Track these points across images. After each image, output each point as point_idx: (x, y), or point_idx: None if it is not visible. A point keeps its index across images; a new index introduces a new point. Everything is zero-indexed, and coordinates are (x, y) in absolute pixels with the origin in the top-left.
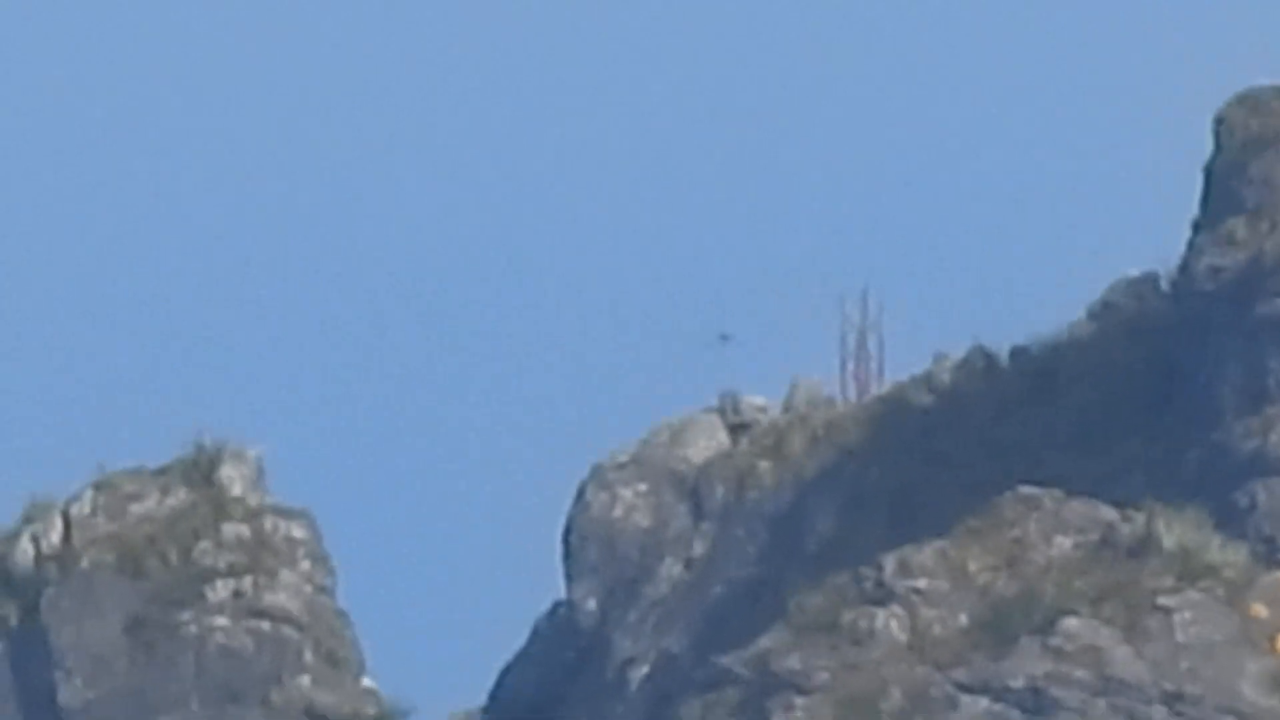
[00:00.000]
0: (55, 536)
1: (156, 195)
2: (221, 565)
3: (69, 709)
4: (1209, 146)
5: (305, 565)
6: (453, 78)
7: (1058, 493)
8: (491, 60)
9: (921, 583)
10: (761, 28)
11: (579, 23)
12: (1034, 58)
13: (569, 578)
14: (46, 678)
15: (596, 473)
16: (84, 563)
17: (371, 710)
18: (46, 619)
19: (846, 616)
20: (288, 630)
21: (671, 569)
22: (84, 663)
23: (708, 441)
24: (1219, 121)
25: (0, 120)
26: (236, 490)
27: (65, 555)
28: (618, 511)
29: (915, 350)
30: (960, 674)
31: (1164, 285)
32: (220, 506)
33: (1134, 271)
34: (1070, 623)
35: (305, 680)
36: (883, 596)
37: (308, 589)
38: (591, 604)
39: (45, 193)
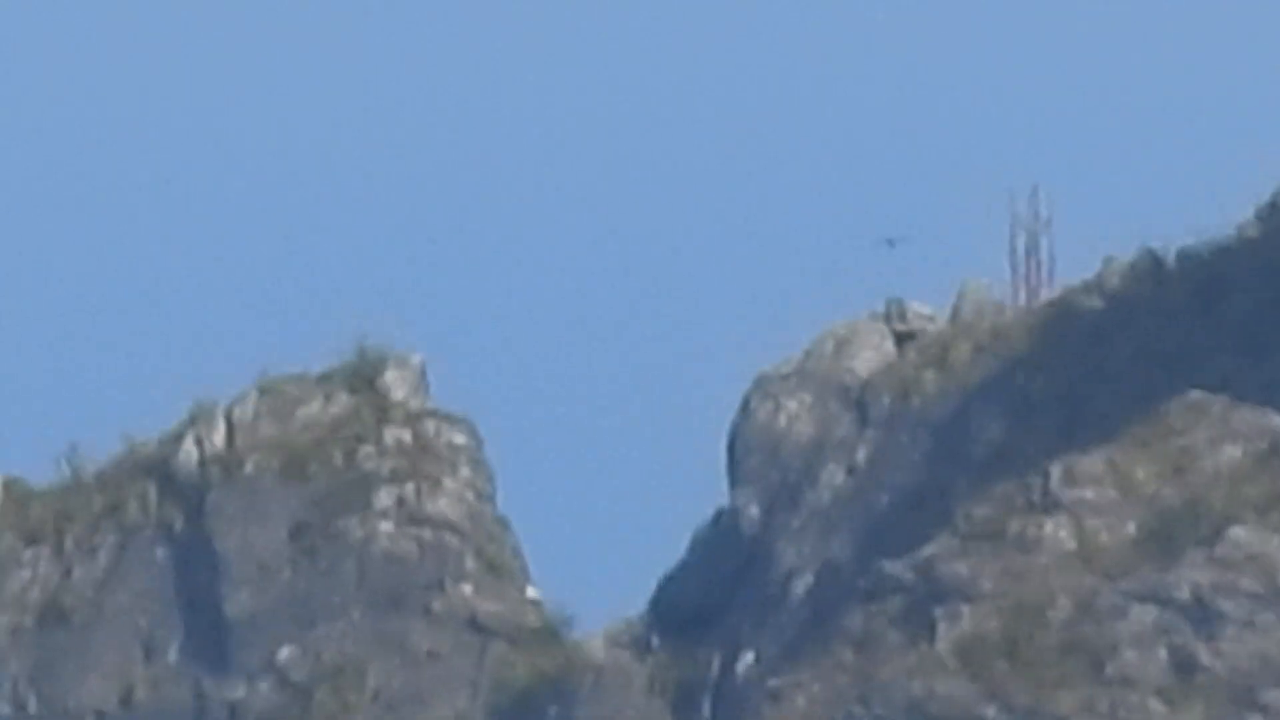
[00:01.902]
0: (219, 439)
1: (308, 91)
2: (384, 471)
3: (234, 618)
4: None
5: (466, 472)
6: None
7: (1225, 400)
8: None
9: (1088, 492)
10: None
11: None
12: None
13: (732, 485)
14: (212, 586)
15: (761, 382)
16: (248, 467)
17: (533, 619)
18: (211, 525)
19: (1013, 525)
20: (450, 538)
21: (834, 476)
22: (249, 570)
23: (873, 352)
24: None
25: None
26: (398, 395)
27: (229, 459)
28: (782, 421)
29: (1086, 249)
30: (1127, 583)
31: None
32: (383, 411)
33: None
34: (1237, 531)
35: (467, 588)
36: (1049, 505)
37: (469, 496)
38: (754, 511)
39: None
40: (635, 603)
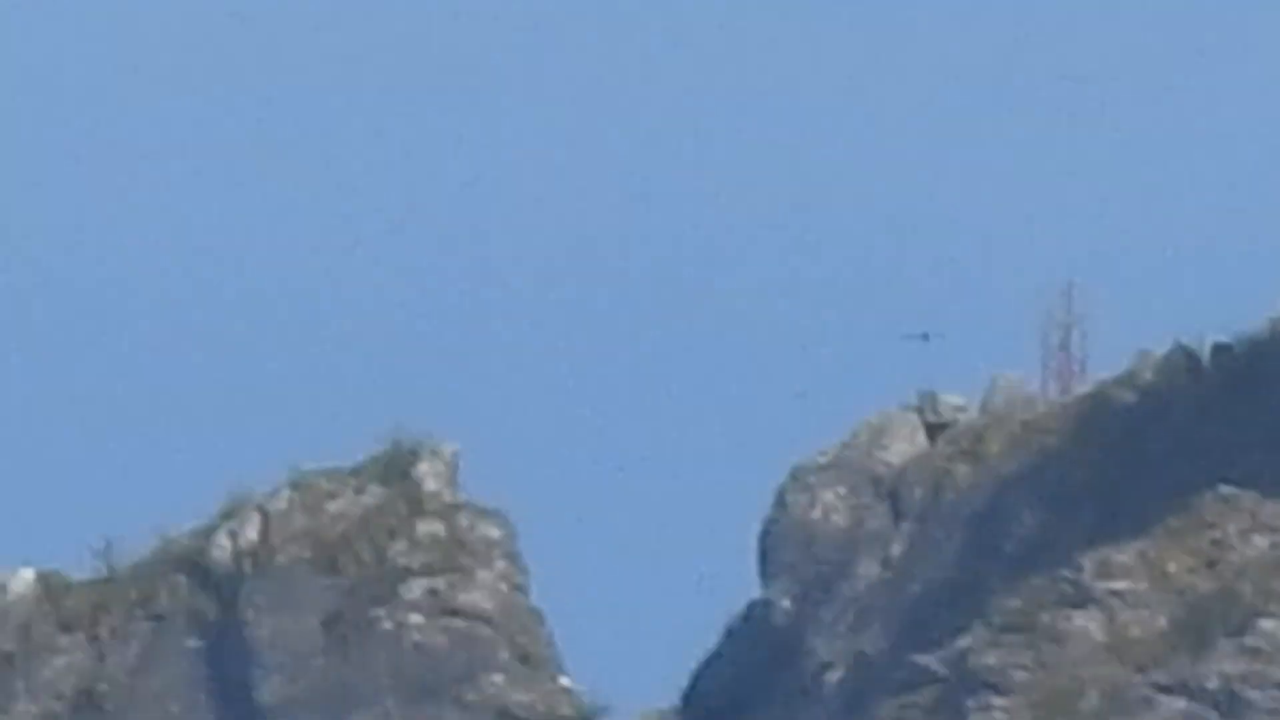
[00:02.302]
0: (253, 533)
1: (349, 189)
2: (416, 564)
3: (266, 706)
4: None
5: (500, 564)
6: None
7: (1255, 493)
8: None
9: (1121, 584)
10: (953, 21)
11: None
12: (1237, 51)
13: (765, 577)
14: (244, 674)
15: (796, 474)
16: (281, 559)
17: (566, 709)
18: (244, 614)
19: (1045, 617)
20: (482, 628)
21: (869, 569)
22: (282, 659)
23: (906, 443)
24: None
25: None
26: (431, 487)
27: (262, 552)
28: (816, 513)
29: (1118, 345)
30: (1158, 675)
31: None
32: (416, 504)
33: None
34: (1267, 623)
35: (499, 678)
36: (1082, 598)
37: (502, 588)
38: (787, 603)
39: (232, 183)
40: (668, 694)
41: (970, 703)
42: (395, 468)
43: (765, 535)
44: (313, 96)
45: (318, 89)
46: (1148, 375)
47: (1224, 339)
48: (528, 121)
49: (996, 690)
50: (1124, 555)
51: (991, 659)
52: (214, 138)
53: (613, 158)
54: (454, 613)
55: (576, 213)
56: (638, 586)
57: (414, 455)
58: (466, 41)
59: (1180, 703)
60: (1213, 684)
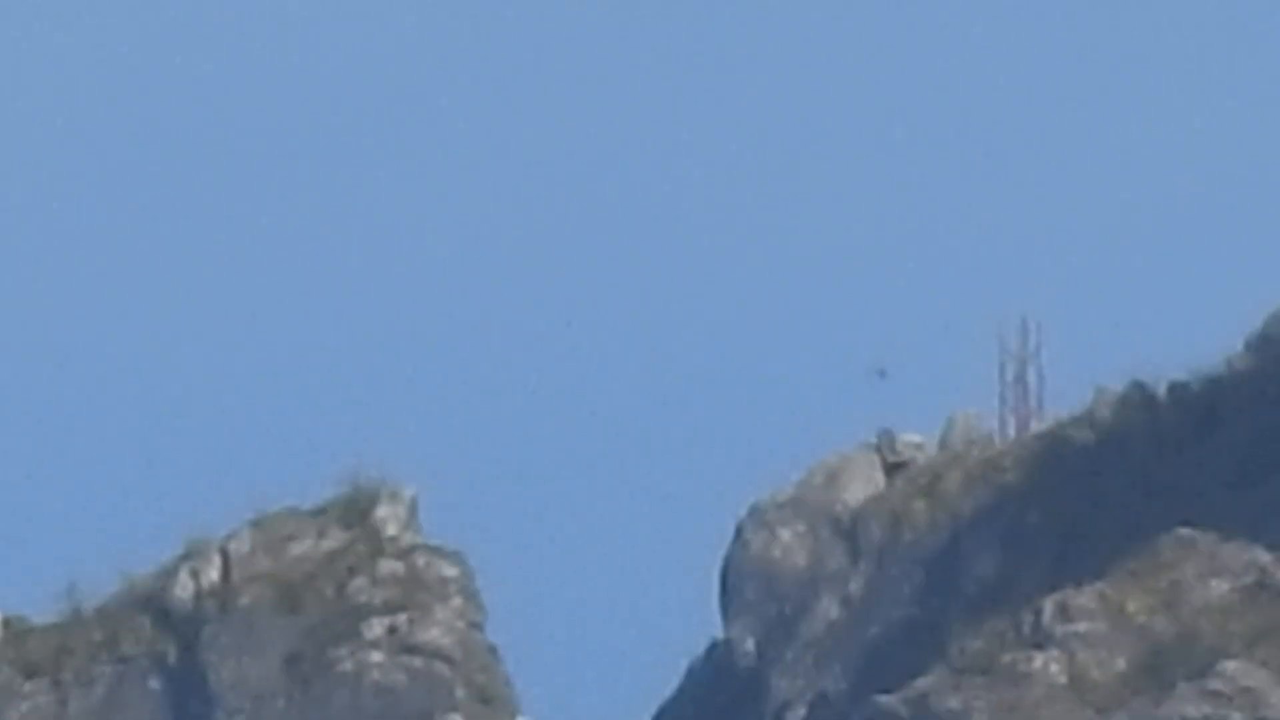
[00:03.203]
0: (214, 574)
1: (305, 226)
2: (377, 602)
3: None
4: None
5: (457, 602)
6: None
7: (1214, 535)
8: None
9: (1081, 626)
10: (911, 47)
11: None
12: (1188, 87)
13: (725, 616)
14: (206, 716)
15: (754, 512)
16: (243, 600)
17: None
18: (205, 656)
19: (1005, 658)
20: (440, 667)
21: (828, 608)
22: (243, 700)
23: (864, 482)
24: None
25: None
26: (391, 530)
27: (224, 593)
28: (775, 551)
29: (1074, 382)
30: (1119, 716)
31: None
32: (375, 545)
33: None
34: (1228, 665)
35: (458, 718)
36: (1041, 639)
37: (460, 625)
38: (749, 643)
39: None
40: None
41: None
42: (355, 510)
43: (725, 573)
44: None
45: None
46: (1105, 413)
47: (1181, 376)
48: (457, 171)
49: None
50: (1083, 597)
51: (953, 701)
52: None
53: (563, 208)
54: (413, 650)
55: (529, 262)
56: (600, 625)
57: (373, 498)
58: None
59: None
60: None
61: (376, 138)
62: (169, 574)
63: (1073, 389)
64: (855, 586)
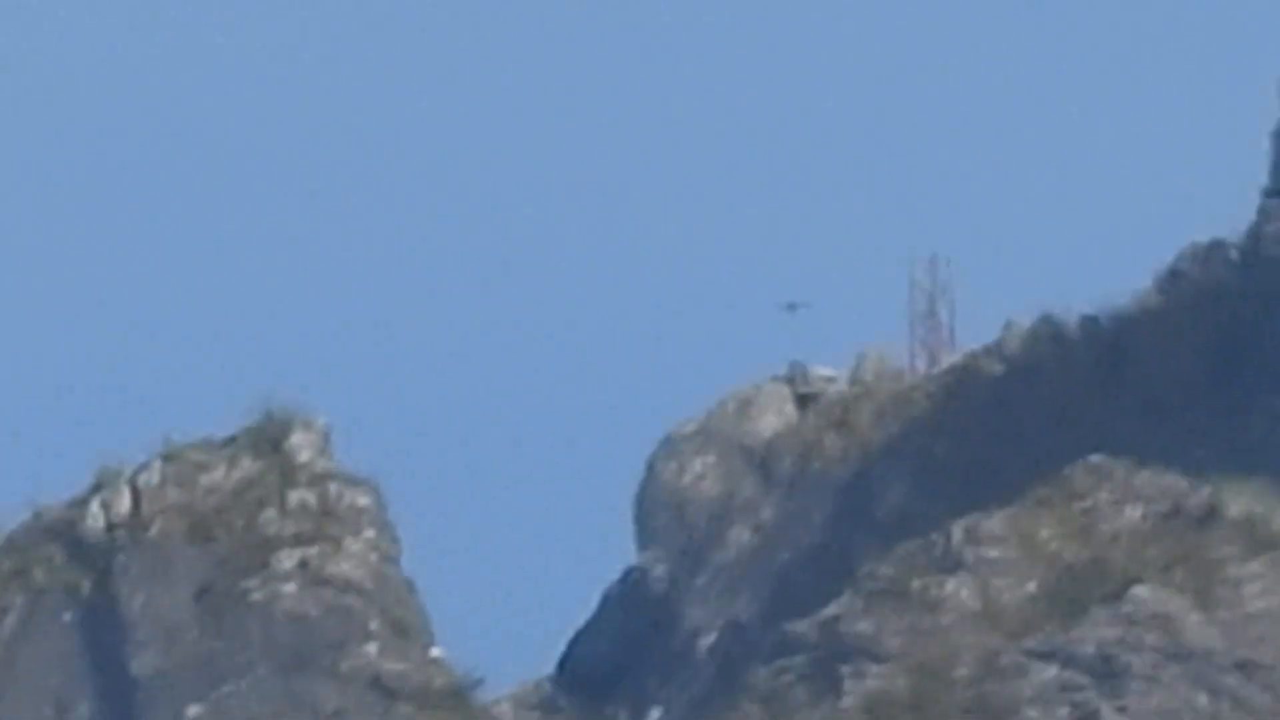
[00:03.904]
0: (124, 506)
1: (222, 161)
2: (288, 533)
3: (140, 678)
4: (1278, 112)
5: (370, 534)
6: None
7: (1127, 462)
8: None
9: (991, 552)
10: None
11: None
12: (1101, 25)
13: (639, 545)
14: (118, 647)
15: (666, 443)
16: (153, 531)
17: (440, 680)
18: (117, 587)
19: (916, 584)
20: (353, 599)
21: (740, 537)
22: (155, 632)
23: (775, 414)
24: None
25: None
26: (304, 457)
27: (134, 524)
28: (686, 480)
29: (984, 317)
30: (1031, 642)
31: (1233, 253)
32: (287, 474)
33: (1203, 239)
34: (1140, 590)
35: (372, 649)
36: (952, 564)
37: (373, 558)
38: (661, 571)
39: (113, 161)
40: (544, 663)
41: (845, 669)
42: (267, 439)
43: (638, 503)
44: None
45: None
46: (1014, 346)
47: (1091, 311)
48: (383, 96)
49: (870, 657)
50: (993, 523)
51: (864, 626)
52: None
53: (492, 124)
54: (325, 583)
55: (441, 194)
56: (512, 556)
57: (286, 426)
58: None
59: (1054, 670)
60: (1088, 650)
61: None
62: (80, 505)
63: (983, 325)
64: (766, 515)
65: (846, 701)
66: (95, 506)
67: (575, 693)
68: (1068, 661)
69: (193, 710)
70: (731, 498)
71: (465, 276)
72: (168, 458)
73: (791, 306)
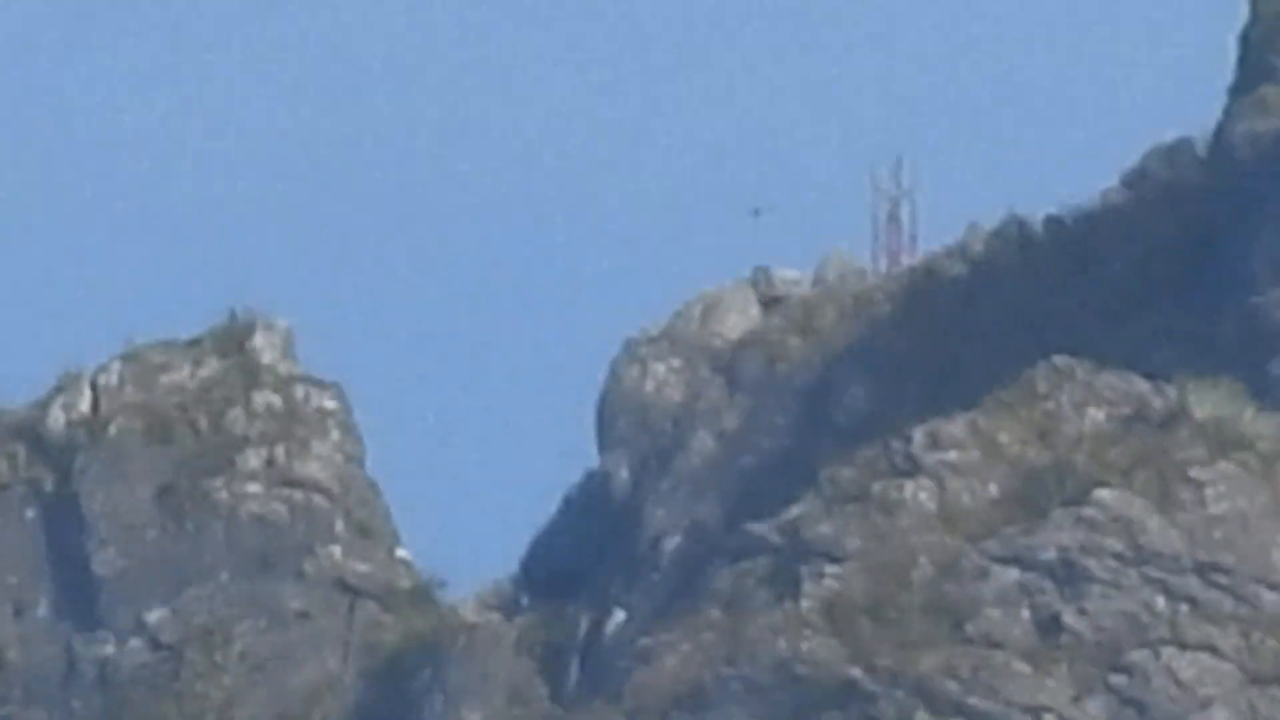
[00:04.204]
0: (84, 405)
1: (188, 67)
2: (253, 434)
3: (101, 577)
4: (1244, 12)
5: (335, 435)
6: None
7: (1090, 364)
8: None
9: (951, 454)
10: None
11: None
12: None
13: (602, 448)
14: (80, 546)
15: (629, 347)
16: (112, 431)
17: (404, 581)
18: (77, 485)
19: (876, 487)
20: (319, 500)
21: (703, 441)
22: (115, 531)
23: (739, 316)
24: None
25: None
26: (267, 359)
27: (94, 424)
28: (650, 385)
29: (948, 220)
30: (990, 545)
31: (1199, 152)
32: (251, 375)
33: (1169, 138)
34: (1102, 494)
35: (337, 550)
36: (912, 468)
37: (338, 459)
38: (624, 474)
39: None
40: (506, 564)
41: (804, 570)
42: (231, 340)
43: (601, 406)
44: None
45: None
46: (978, 247)
47: (1055, 211)
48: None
49: (830, 559)
50: (954, 426)
51: (825, 528)
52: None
53: (454, 26)
54: (291, 484)
55: (406, 81)
56: (476, 458)
57: (249, 328)
58: None
59: (1014, 573)
60: (1049, 554)
61: None
62: (42, 406)
63: (947, 227)
64: (731, 419)
65: (805, 604)
66: (57, 408)
67: (537, 594)
68: (1029, 565)
69: (154, 613)
70: (695, 401)
71: (428, 178)
72: (127, 358)
73: (756, 211)
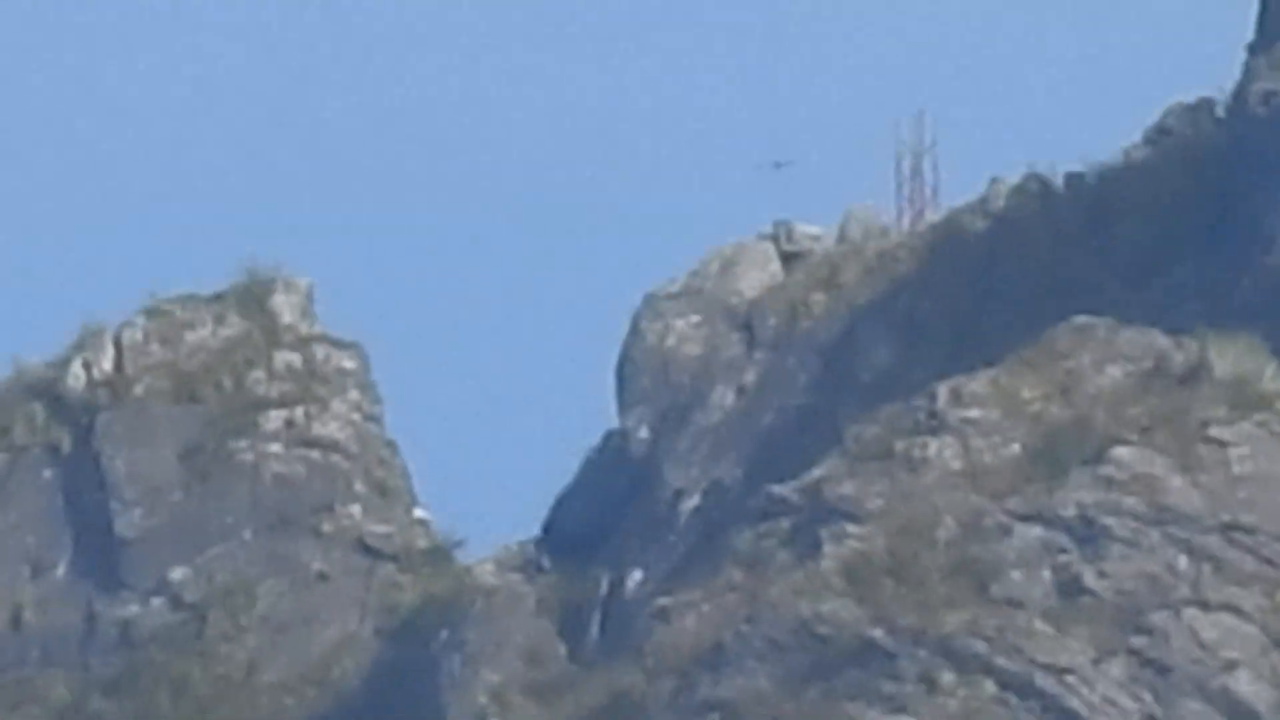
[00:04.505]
0: (107, 363)
1: (214, 25)
2: (274, 394)
3: (125, 539)
4: None
5: (354, 395)
6: None
7: (1110, 321)
8: None
9: (974, 412)
10: None
11: None
12: None
13: (621, 407)
14: (101, 507)
15: (649, 302)
16: (138, 390)
17: (422, 541)
18: (100, 446)
19: (900, 445)
20: (338, 459)
21: (723, 398)
22: (139, 491)
23: (760, 272)
24: None
25: None
26: (288, 318)
27: (118, 382)
28: (670, 341)
29: (971, 175)
30: (1013, 503)
31: (1219, 110)
32: (272, 335)
33: (1189, 97)
34: (1122, 452)
35: (356, 510)
36: (936, 426)
37: (357, 419)
38: (644, 432)
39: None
40: (528, 526)
41: (824, 531)
42: (251, 297)
43: (621, 364)
44: None
45: None
46: (1000, 203)
47: (1077, 167)
48: None
49: (852, 519)
50: (976, 383)
51: (847, 488)
52: None
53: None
54: (311, 443)
55: (424, 52)
56: (496, 418)
57: (269, 286)
58: None
59: (1036, 530)
60: (1069, 512)
61: None
62: (62, 363)
63: (969, 183)
64: (750, 376)
65: (826, 564)
66: (77, 366)
67: (557, 555)
68: (1050, 523)
69: (176, 572)
70: (715, 358)
71: (448, 136)
72: (151, 313)
73: (777, 165)
